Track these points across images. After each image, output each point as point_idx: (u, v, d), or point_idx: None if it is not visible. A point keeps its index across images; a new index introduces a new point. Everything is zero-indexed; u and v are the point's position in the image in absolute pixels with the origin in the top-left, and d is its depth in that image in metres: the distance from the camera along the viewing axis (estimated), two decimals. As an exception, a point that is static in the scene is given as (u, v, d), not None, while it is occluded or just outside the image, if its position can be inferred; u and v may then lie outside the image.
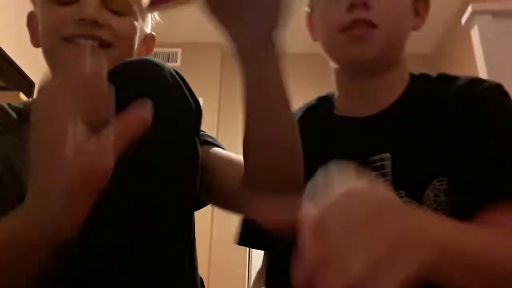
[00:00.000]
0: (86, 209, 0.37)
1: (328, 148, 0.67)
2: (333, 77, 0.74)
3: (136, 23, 0.69)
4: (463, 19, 1.72)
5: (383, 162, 0.63)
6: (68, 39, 0.64)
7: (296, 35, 3.81)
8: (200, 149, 0.55)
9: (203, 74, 3.31)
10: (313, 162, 0.63)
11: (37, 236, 0.38)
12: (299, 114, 0.76)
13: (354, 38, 0.63)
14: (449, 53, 2.89)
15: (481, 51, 1.63)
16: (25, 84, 2.36)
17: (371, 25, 0.62)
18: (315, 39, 0.73)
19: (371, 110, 0.68)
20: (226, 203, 0.62)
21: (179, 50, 3.56)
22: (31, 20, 0.72)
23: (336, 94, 0.75)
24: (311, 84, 3.40)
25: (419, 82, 0.70)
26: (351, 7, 0.62)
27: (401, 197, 0.60)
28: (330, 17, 0.66)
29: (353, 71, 0.69)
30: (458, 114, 0.60)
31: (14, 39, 2.07)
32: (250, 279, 3.06)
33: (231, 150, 0.67)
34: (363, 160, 0.64)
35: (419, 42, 2.76)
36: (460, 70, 2.80)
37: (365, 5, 0.62)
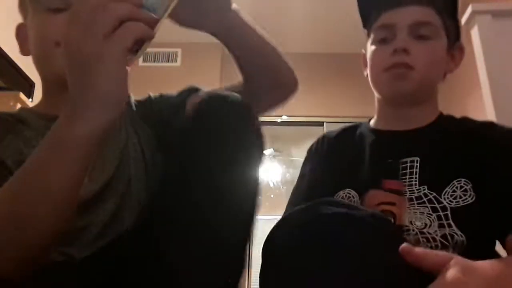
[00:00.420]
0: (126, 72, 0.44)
1: (366, 152, 0.84)
2: (376, 105, 0.92)
3: None
4: (463, 19, 1.72)
5: (412, 164, 0.77)
6: (60, 44, 0.67)
7: (298, 36, 3.75)
8: None
9: (203, 74, 3.31)
10: (352, 164, 0.84)
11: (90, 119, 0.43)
12: (336, 132, 0.94)
13: (395, 76, 0.80)
14: (449, 53, 2.88)
15: (481, 51, 1.63)
16: (25, 84, 2.36)
17: (409, 67, 0.79)
18: (365, 74, 0.91)
19: (405, 128, 0.84)
20: None
21: (179, 50, 3.56)
22: (20, 32, 0.77)
23: (374, 119, 0.92)
24: (313, 83, 3.41)
25: (446, 117, 0.86)
26: (394, 52, 0.80)
27: (423, 190, 0.74)
28: (377, 59, 0.84)
29: (393, 102, 0.86)
30: (479, 139, 0.76)
31: (14, 39, 2.07)
32: (250, 279, 3.06)
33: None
34: (395, 161, 0.79)
35: (419, 42, 2.76)
36: (460, 70, 2.80)
37: (405, 51, 0.79)
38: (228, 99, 0.55)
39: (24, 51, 0.76)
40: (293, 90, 0.76)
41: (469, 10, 1.68)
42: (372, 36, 0.87)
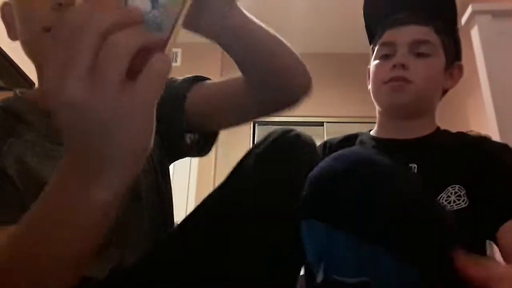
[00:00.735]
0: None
1: None
2: (377, 117, 0.96)
3: None
4: (463, 19, 1.72)
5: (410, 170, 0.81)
6: (49, 29, 0.57)
7: (297, 36, 3.76)
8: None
9: (203, 74, 3.30)
10: None
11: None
12: (338, 139, 0.98)
13: (393, 88, 0.86)
14: (449, 53, 2.88)
15: (481, 51, 1.63)
16: (25, 84, 2.35)
17: (407, 80, 0.85)
18: (369, 87, 0.96)
19: (404, 137, 0.89)
20: (236, 113, 0.70)
21: (179, 50, 3.56)
22: (6, 12, 0.67)
23: (374, 130, 0.97)
24: (312, 83, 3.41)
25: (443, 131, 0.91)
26: (394, 67, 0.86)
27: None
28: (378, 73, 0.90)
29: (392, 113, 0.91)
30: (474, 151, 0.81)
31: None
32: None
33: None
34: None
35: (419, 42, 2.76)
36: (460, 70, 2.80)
37: (403, 66, 0.85)
38: (300, 135, 0.58)
39: (11, 35, 0.65)
40: (307, 91, 0.67)
41: (469, 10, 1.68)
42: (375, 52, 0.93)
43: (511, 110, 1.52)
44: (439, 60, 0.88)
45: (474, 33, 1.68)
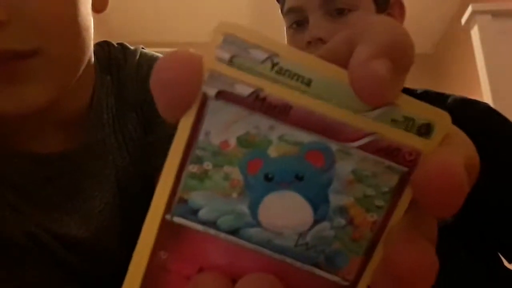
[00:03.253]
0: None
1: None
2: None
3: None
4: (463, 19, 1.72)
5: None
6: None
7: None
8: None
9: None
10: None
11: None
12: None
13: None
14: (449, 53, 2.89)
15: (481, 51, 1.63)
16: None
17: None
18: None
19: None
20: None
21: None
22: None
23: None
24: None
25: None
26: (309, 43, 0.66)
27: None
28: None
29: None
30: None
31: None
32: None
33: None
34: None
35: (419, 42, 2.76)
36: (460, 70, 2.80)
37: (321, 40, 0.66)
38: None
39: None
40: None
41: (469, 10, 1.68)
42: (285, 21, 0.73)
43: (511, 110, 1.52)
44: (365, 10, 0.66)
45: (474, 33, 1.68)
